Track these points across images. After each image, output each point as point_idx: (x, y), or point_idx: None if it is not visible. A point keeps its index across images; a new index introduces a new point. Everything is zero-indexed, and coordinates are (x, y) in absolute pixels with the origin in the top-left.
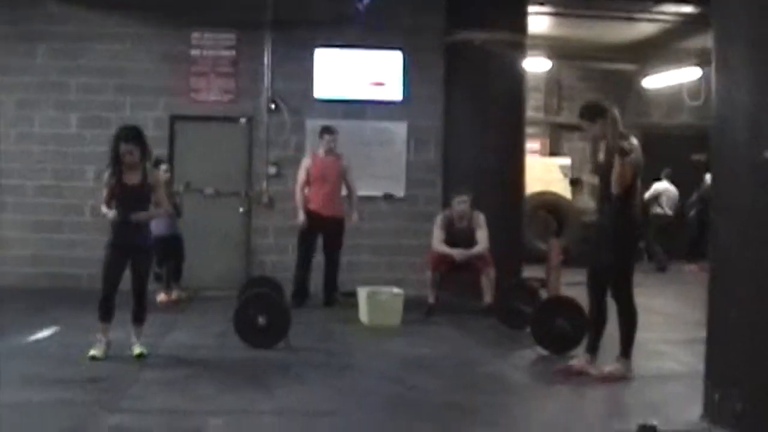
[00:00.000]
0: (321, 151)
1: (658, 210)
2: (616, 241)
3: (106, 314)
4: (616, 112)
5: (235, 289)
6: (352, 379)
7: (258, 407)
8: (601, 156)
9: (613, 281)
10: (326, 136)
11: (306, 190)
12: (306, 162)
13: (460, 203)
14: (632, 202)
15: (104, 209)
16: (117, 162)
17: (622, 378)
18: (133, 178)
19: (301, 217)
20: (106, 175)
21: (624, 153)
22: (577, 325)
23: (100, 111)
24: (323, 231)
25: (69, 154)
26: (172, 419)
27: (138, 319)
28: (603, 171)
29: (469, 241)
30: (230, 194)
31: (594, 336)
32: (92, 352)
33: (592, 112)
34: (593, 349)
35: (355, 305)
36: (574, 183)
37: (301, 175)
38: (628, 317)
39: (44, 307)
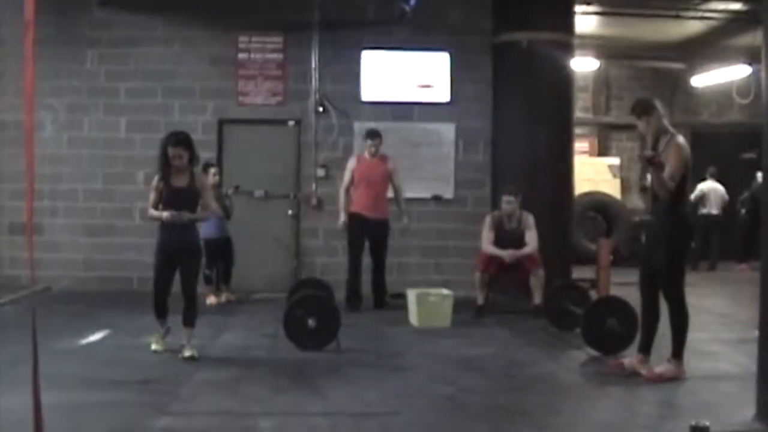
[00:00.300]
0: (366, 154)
1: (703, 210)
2: (669, 241)
3: (160, 312)
4: (660, 108)
5: (285, 291)
6: (402, 381)
7: (308, 409)
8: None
9: (665, 281)
10: (368, 141)
11: (351, 193)
12: (351, 164)
13: (508, 203)
14: (683, 201)
15: (153, 212)
16: (166, 165)
17: (673, 379)
18: (180, 181)
19: (342, 218)
20: (155, 179)
21: (654, 163)
22: (628, 326)
23: (149, 115)
24: (369, 233)
25: (119, 157)
26: (223, 421)
27: (188, 321)
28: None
29: (519, 241)
30: (279, 197)
31: (646, 336)
32: (154, 347)
33: (638, 109)
34: (645, 349)
35: (404, 307)
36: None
37: (346, 177)
38: (680, 318)
39: (96, 311)
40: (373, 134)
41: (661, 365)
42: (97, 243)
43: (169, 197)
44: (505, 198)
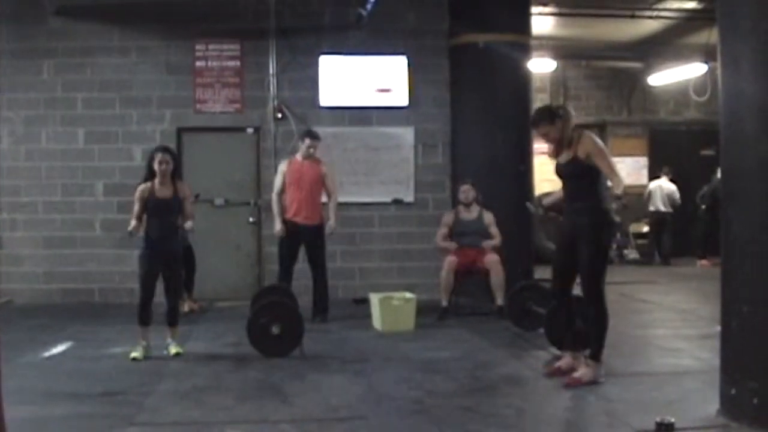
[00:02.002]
0: (299, 156)
1: (652, 207)
2: (591, 237)
3: (145, 319)
4: (570, 110)
5: (248, 298)
6: (368, 385)
7: (274, 416)
8: (563, 156)
9: (587, 279)
10: (307, 141)
11: (283, 198)
12: (282, 167)
13: (464, 191)
14: (602, 196)
15: (133, 222)
16: (151, 176)
17: (592, 382)
18: (164, 192)
19: (278, 226)
20: (140, 188)
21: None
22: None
23: (107, 125)
24: (302, 241)
25: (77, 169)
26: (189, 431)
27: (172, 322)
28: (566, 169)
29: (478, 234)
30: (240, 204)
31: (571, 335)
32: (133, 354)
33: (551, 115)
34: (573, 346)
35: (368, 311)
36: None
37: (277, 181)
38: (601, 317)
39: (58, 323)
40: (313, 135)
41: (579, 370)
42: (58, 255)
43: (154, 208)
44: (461, 187)
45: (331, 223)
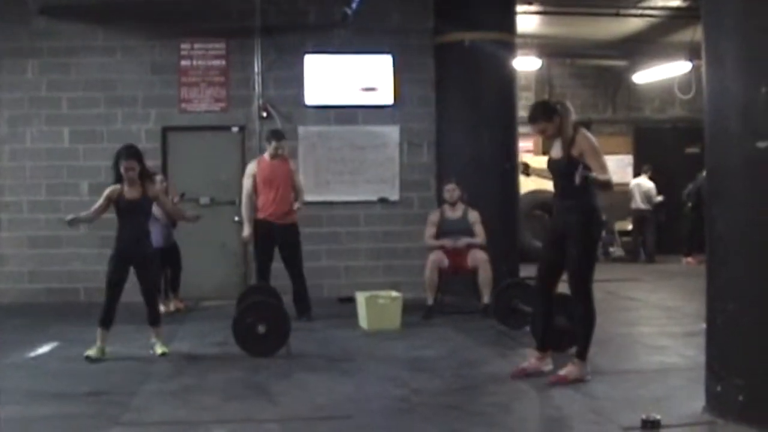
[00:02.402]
0: (267, 156)
1: (633, 205)
2: (579, 234)
3: (105, 321)
4: (569, 106)
5: (234, 298)
6: (354, 384)
7: (261, 415)
8: (557, 152)
9: (576, 277)
10: (274, 142)
11: (255, 199)
12: (251, 168)
13: (448, 191)
14: (592, 193)
15: (82, 213)
16: (119, 179)
17: (577, 380)
18: (133, 193)
19: (247, 231)
20: (109, 189)
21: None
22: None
23: (92, 124)
24: (277, 240)
25: (62, 168)
26: (175, 431)
27: (154, 322)
28: (559, 167)
29: (463, 232)
30: (225, 203)
31: (542, 334)
32: (88, 353)
33: (549, 111)
34: (543, 346)
35: (354, 310)
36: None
37: (247, 183)
38: (588, 317)
39: (43, 323)
40: (279, 136)
41: (565, 367)
42: (43, 254)
43: (123, 209)
44: (446, 187)
45: (296, 205)
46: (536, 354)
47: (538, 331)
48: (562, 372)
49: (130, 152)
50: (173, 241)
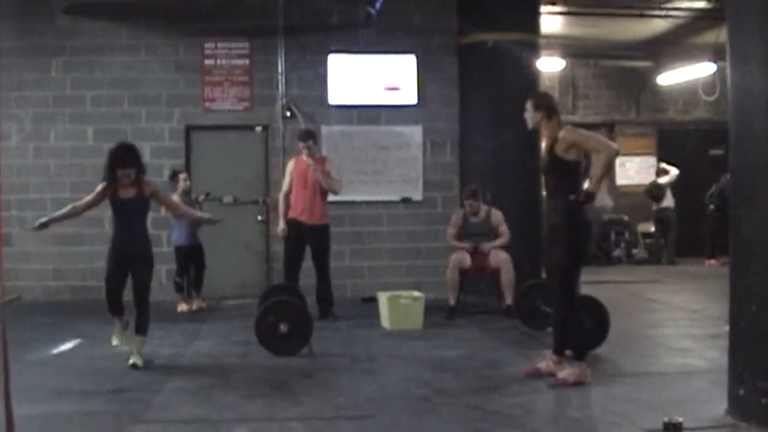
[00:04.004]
0: (303, 156)
1: (654, 206)
2: (563, 236)
3: (114, 309)
4: (554, 103)
5: (256, 297)
6: (376, 384)
7: (283, 414)
8: (543, 150)
9: (556, 279)
10: (299, 144)
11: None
12: (289, 166)
13: (469, 206)
14: (576, 194)
15: (69, 207)
16: (113, 179)
17: (578, 382)
18: (128, 193)
19: (282, 225)
20: (101, 186)
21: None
22: (599, 324)
23: (115, 123)
24: (307, 240)
25: (86, 166)
26: (198, 429)
27: (140, 330)
28: (544, 164)
29: (486, 235)
30: (248, 202)
31: (559, 337)
32: (113, 342)
33: (539, 100)
34: (560, 350)
35: (376, 310)
36: None
37: (285, 182)
38: (572, 319)
39: (67, 320)
40: (302, 135)
41: (564, 370)
42: (67, 252)
43: (119, 208)
44: (466, 202)
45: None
46: (554, 357)
47: (555, 334)
48: (561, 375)
49: (126, 158)
50: (198, 241)
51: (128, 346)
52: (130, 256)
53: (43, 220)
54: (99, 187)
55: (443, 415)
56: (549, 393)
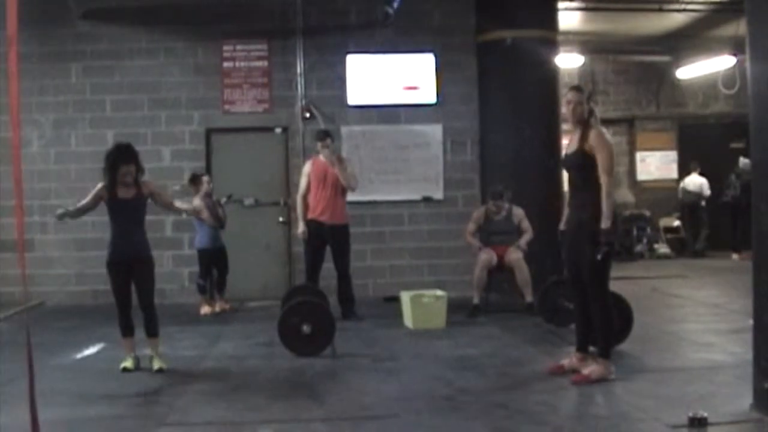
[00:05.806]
0: (321, 156)
1: (683, 199)
2: (592, 234)
3: (125, 330)
4: (583, 97)
5: (279, 298)
6: (400, 383)
7: (307, 415)
8: (571, 147)
9: (589, 277)
10: (318, 144)
11: (308, 198)
12: (306, 168)
13: (496, 206)
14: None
15: (70, 207)
16: (113, 180)
17: (601, 379)
18: (127, 193)
19: (301, 227)
20: (99, 186)
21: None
22: (623, 319)
23: (136, 127)
24: (327, 241)
25: None
26: (222, 431)
27: (151, 332)
28: (571, 161)
29: (509, 233)
30: (270, 204)
31: (582, 334)
32: (123, 365)
33: (586, 94)
34: (583, 347)
35: (399, 309)
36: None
37: (302, 183)
38: (604, 315)
39: (89, 325)
40: (318, 135)
41: (588, 366)
42: (89, 257)
43: (116, 210)
44: (492, 202)
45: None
46: (578, 354)
47: (577, 331)
48: (585, 371)
49: (126, 157)
50: (221, 244)
51: (142, 358)
52: (130, 258)
53: (61, 211)
54: (97, 188)
55: (467, 414)
56: (573, 390)
